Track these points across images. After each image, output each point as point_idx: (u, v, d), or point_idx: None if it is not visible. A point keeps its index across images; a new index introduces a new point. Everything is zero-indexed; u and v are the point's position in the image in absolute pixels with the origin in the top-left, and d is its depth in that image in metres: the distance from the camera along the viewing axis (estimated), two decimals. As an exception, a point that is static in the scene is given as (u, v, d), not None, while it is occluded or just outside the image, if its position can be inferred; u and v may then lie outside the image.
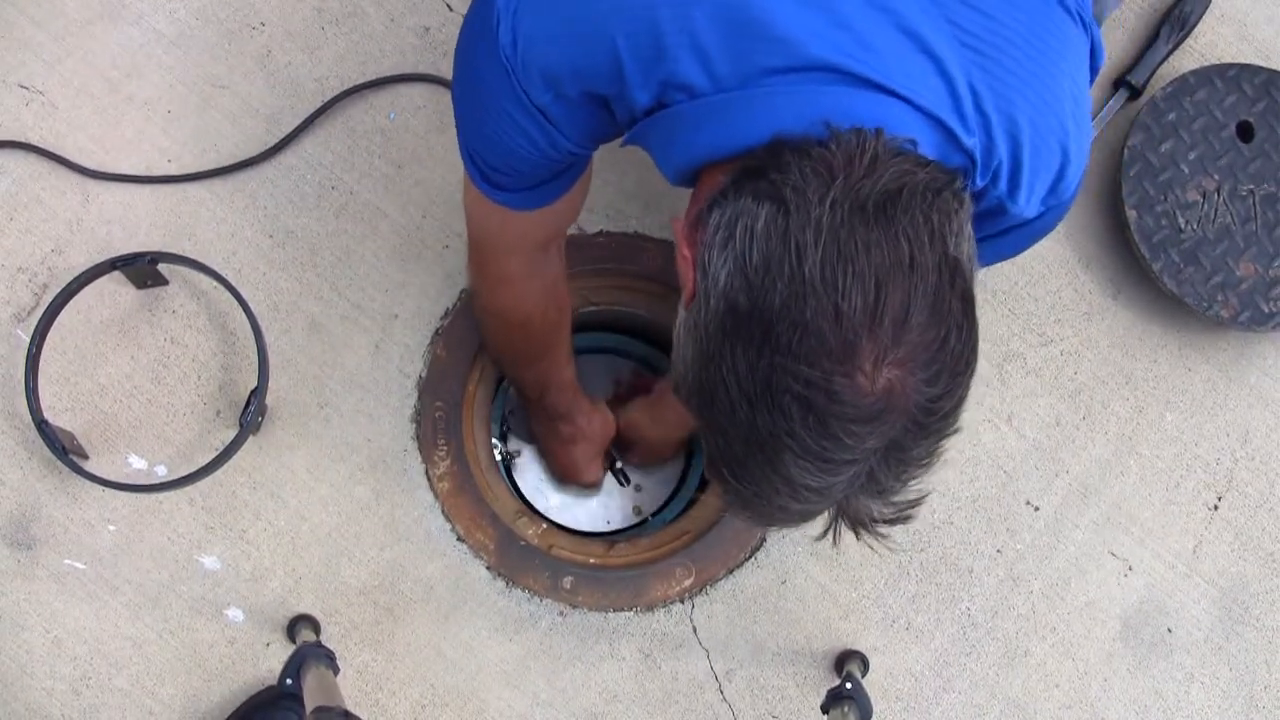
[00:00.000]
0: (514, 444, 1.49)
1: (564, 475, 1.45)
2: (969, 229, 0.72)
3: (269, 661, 1.30)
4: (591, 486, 1.46)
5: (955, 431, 0.72)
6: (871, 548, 0.77)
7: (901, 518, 0.75)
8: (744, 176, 0.73)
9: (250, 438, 1.28)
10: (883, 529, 0.75)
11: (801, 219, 0.68)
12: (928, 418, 0.70)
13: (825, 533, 0.76)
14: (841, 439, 0.68)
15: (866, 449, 0.69)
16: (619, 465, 1.49)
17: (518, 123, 0.86)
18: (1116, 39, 1.47)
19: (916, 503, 0.75)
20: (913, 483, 0.74)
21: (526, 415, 1.44)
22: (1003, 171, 0.80)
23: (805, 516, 0.75)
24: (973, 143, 0.77)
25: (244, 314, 1.27)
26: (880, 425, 0.68)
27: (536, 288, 1.12)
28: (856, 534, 0.76)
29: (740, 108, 0.75)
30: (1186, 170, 1.39)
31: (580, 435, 1.37)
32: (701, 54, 0.75)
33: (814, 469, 0.69)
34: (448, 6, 1.42)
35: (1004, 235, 0.87)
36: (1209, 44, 1.47)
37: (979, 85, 0.76)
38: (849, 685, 1.22)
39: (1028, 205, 0.83)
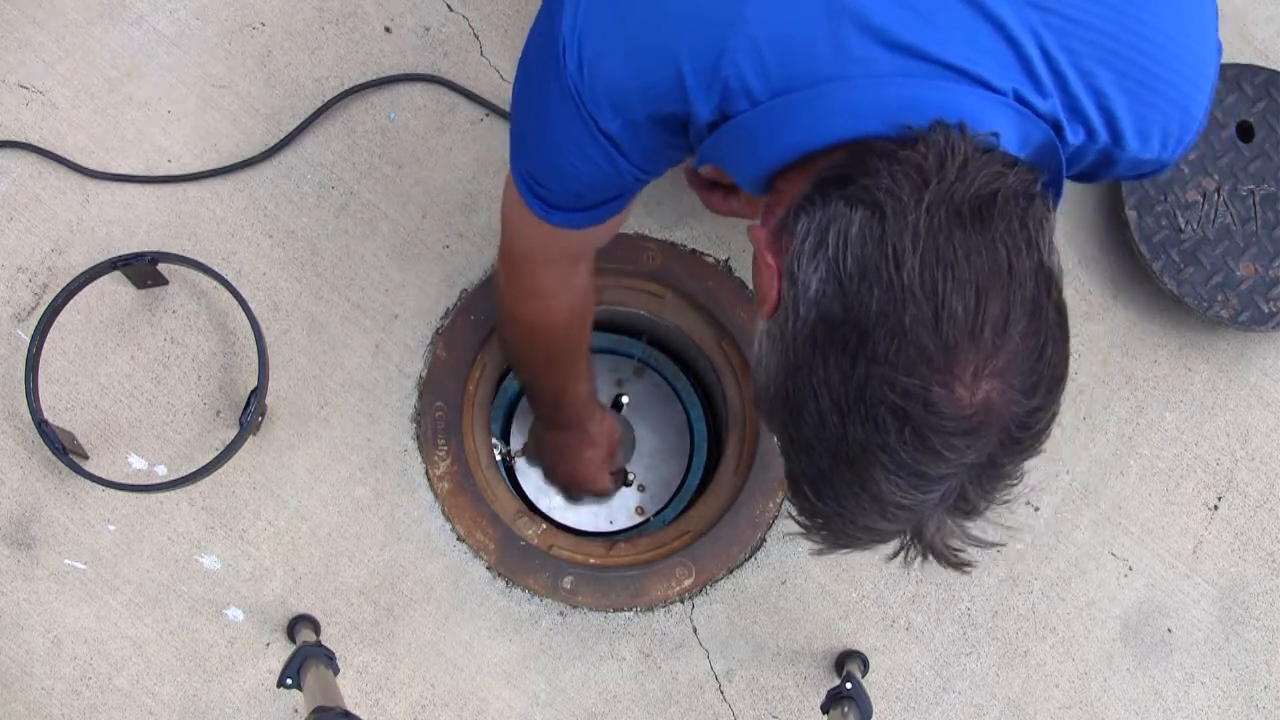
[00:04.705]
0: (514, 444, 1.49)
1: (575, 485, 1.44)
2: (1054, 239, 0.69)
3: (269, 661, 1.30)
4: (602, 494, 1.46)
5: (1043, 450, 0.70)
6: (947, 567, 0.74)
7: (984, 542, 0.72)
8: (829, 182, 0.70)
9: (250, 438, 1.28)
10: (962, 554, 0.72)
11: (899, 224, 0.65)
12: (1023, 432, 0.67)
13: (897, 554, 0.73)
14: (939, 452, 0.65)
15: (962, 464, 0.67)
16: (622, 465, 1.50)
17: (584, 150, 0.84)
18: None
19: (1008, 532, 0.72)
20: (999, 501, 0.71)
21: (537, 432, 1.43)
22: (1097, 124, 0.76)
23: (886, 537, 0.72)
24: (1050, 105, 0.74)
25: (244, 314, 1.27)
26: (977, 439, 0.66)
27: (565, 301, 1.11)
28: (928, 558, 0.73)
29: (803, 108, 0.73)
30: (1186, 170, 1.39)
31: (590, 442, 1.37)
32: (758, 57, 0.73)
33: (906, 485, 0.67)
34: (448, 7, 1.42)
35: (1116, 168, 0.83)
36: (1209, 44, 1.47)
37: (1049, 44, 0.73)
38: (849, 685, 1.22)
39: (1143, 149, 0.79)
